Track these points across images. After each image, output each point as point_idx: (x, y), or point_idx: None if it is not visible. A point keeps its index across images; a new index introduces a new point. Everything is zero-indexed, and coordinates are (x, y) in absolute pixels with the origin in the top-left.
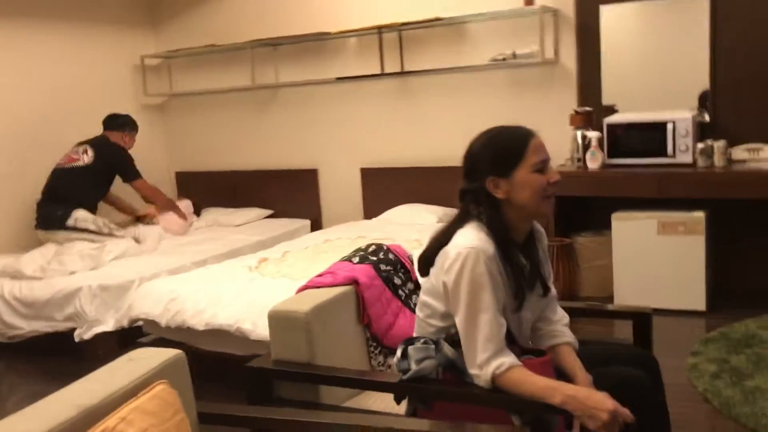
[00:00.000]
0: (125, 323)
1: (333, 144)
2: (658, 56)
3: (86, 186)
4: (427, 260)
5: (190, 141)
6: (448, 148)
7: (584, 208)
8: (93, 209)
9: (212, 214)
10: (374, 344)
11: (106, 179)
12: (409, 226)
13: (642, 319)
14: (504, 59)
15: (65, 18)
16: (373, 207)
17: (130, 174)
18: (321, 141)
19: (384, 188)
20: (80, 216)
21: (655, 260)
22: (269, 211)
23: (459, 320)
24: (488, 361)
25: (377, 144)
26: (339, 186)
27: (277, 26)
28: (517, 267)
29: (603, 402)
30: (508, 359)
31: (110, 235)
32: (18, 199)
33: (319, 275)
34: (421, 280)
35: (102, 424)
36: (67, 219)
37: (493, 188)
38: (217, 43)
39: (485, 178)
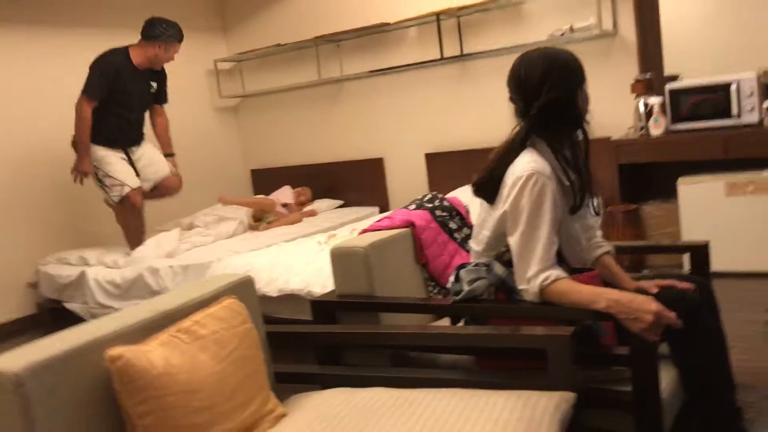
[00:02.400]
0: None
1: (397, 132)
2: (720, 21)
3: None
4: (485, 188)
5: (262, 139)
6: (509, 127)
7: (648, 177)
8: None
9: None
10: (432, 283)
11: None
12: (475, 205)
13: (699, 252)
14: (562, 34)
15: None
16: (438, 191)
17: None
18: (386, 130)
19: (449, 172)
20: None
21: (725, 223)
22: (339, 202)
23: (515, 239)
24: (537, 274)
25: (440, 129)
26: (405, 173)
27: (339, 22)
28: (576, 178)
29: (647, 303)
30: (556, 271)
31: None
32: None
33: (378, 221)
34: (474, 217)
35: (178, 324)
36: None
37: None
38: (284, 42)
39: (577, 89)
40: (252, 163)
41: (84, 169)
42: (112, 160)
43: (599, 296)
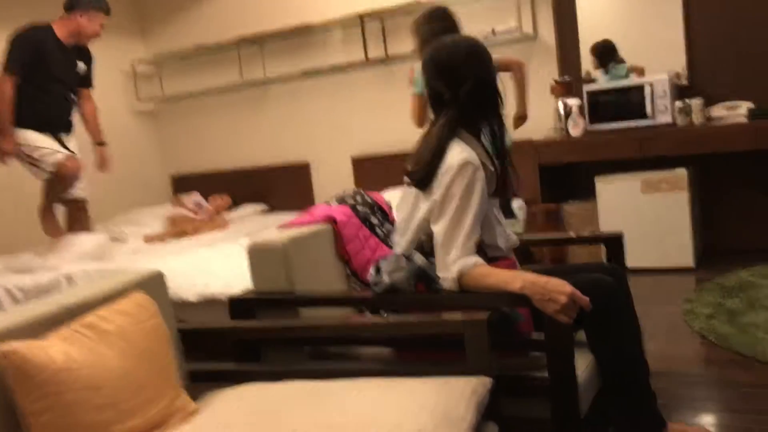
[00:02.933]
0: None
1: (323, 136)
2: (634, 26)
3: None
4: (424, 180)
5: (183, 143)
6: None
7: (569, 176)
8: None
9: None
10: (355, 279)
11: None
12: (397, 200)
13: (614, 243)
14: (484, 37)
15: None
16: None
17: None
18: (311, 134)
19: (376, 176)
20: None
21: (641, 220)
22: (263, 207)
23: (440, 227)
24: (456, 260)
25: (367, 133)
26: (331, 177)
27: (262, 22)
28: (500, 162)
29: (562, 285)
30: (474, 258)
31: None
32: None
33: (299, 216)
34: (396, 213)
35: (81, 318)
36: None
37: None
38: (205, 43)
39: (494, 73)
40: (172, 168)
41: (6, 148)
42: (38, 137)
43: (515, 278)
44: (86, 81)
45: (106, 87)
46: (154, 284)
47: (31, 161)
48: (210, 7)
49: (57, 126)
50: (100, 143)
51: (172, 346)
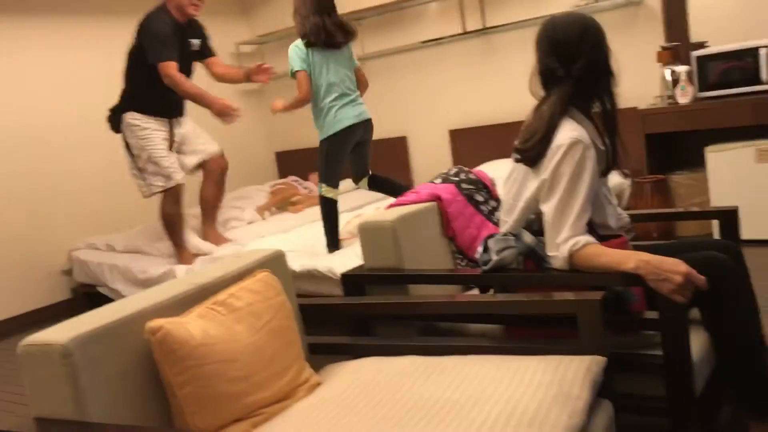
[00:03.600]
0: None
1: (420, 110)
2: None
3: None
4: (534, 157)
5: (286, 121)
6: (533, 100)
7: (676, 147)
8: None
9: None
10: (460, 256)
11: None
12: (502, 177)
13: (729, 217)
14: (586, 4)
15: None
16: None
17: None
18: (408, 108)
19: (473, 148)
20: None
21: (756, 190)
22: None
23: (550, 206)
24: (567, 240)
25: (464, 105)
26: (428, 150)
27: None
28: (611, 142)
29: (677, 265)
30: (585, 237)
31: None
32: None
33: (404, 195)
34: (500, 189)
35: (214, 297)
36: None
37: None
38: None
39: (608, 51)
40: (276, 145)
41: (224, 102)
42: (157, 142)
43: (629, 257)
44: (208, 51)
45: None
46: (276, 263)
47: (137, 171)
48: None
49: (175, 111)
50: (246, 74)
51: (296, 321)
